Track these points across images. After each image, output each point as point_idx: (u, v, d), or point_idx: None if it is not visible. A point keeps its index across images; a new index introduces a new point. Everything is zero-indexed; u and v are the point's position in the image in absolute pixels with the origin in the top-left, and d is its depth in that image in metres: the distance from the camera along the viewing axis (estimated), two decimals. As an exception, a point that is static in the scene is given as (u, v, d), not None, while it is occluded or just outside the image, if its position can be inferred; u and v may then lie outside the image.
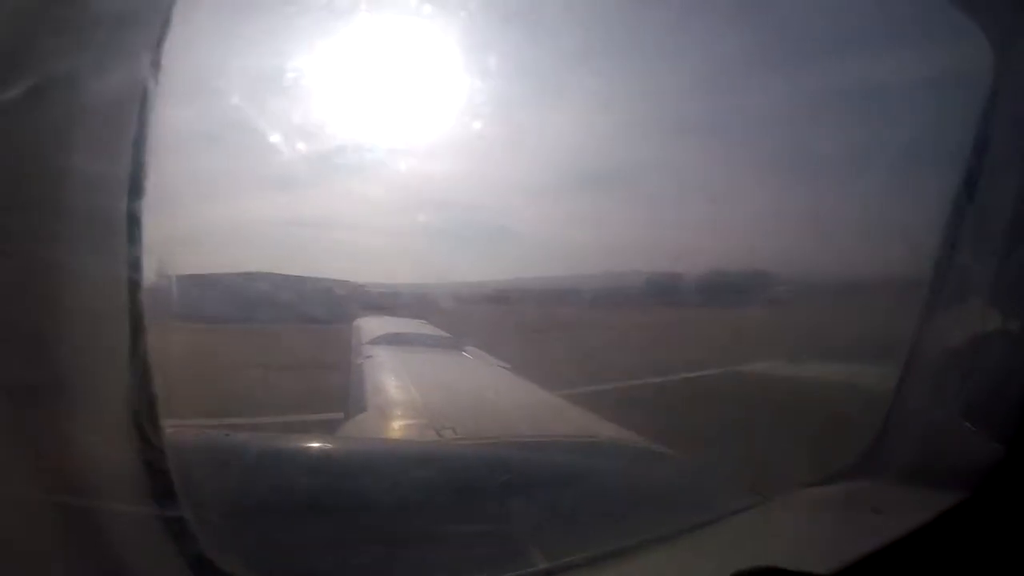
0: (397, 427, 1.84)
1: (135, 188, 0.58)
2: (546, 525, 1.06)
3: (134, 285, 0.59)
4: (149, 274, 0.61)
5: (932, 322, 1.28)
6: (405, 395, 2.13)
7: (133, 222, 0.58)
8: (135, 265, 0.59)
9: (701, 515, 1.06)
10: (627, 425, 1.88)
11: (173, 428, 0.67)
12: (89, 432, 0.55)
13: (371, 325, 3.60)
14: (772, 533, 1.11)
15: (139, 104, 0.58)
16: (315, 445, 1.34)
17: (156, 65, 0.58)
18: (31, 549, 0.50)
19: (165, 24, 0.58)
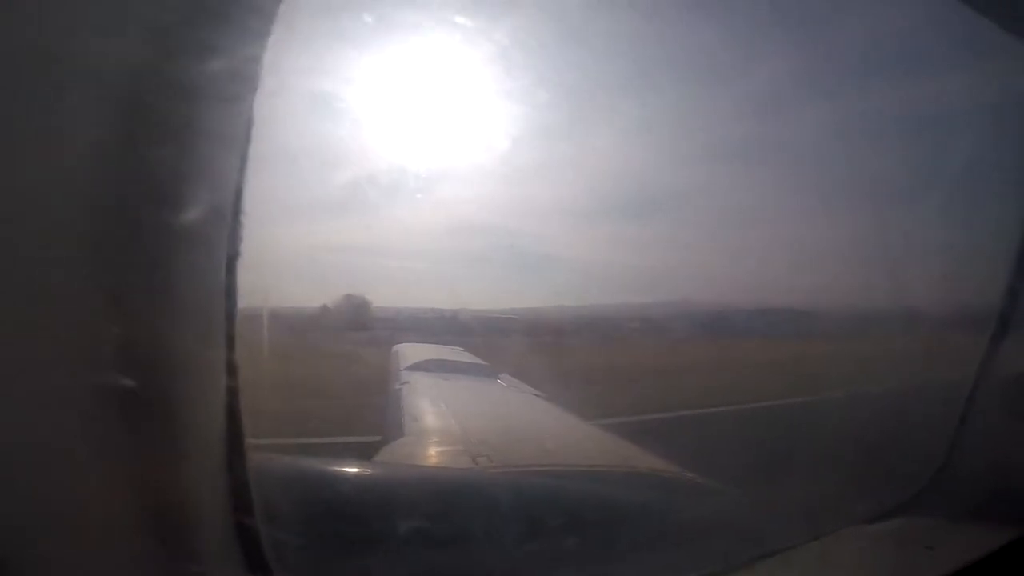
0: (433, 453, 1.85)
1: (236, 213, 0.59)
2: (582, 556, 1.05)
3: (230, 312, 0.60)
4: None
5: (995, 361, 1.26)
6: (441, 421, 2.15)
7: (233, 249, 0.59)
8: (231, 291, 0.60)
9: (748, 551, 1.04)
10: (669, 457, 1.83)
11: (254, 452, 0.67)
12: (184, 458, 0.56)
13: (409, 352, 3.66)
14: (826, 569, 1.09)
15: (243, 128, 0.59)
16: (384, 472, 1.38)
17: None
18: (117, 561, 0.52)
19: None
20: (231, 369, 0.60)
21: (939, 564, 1.01)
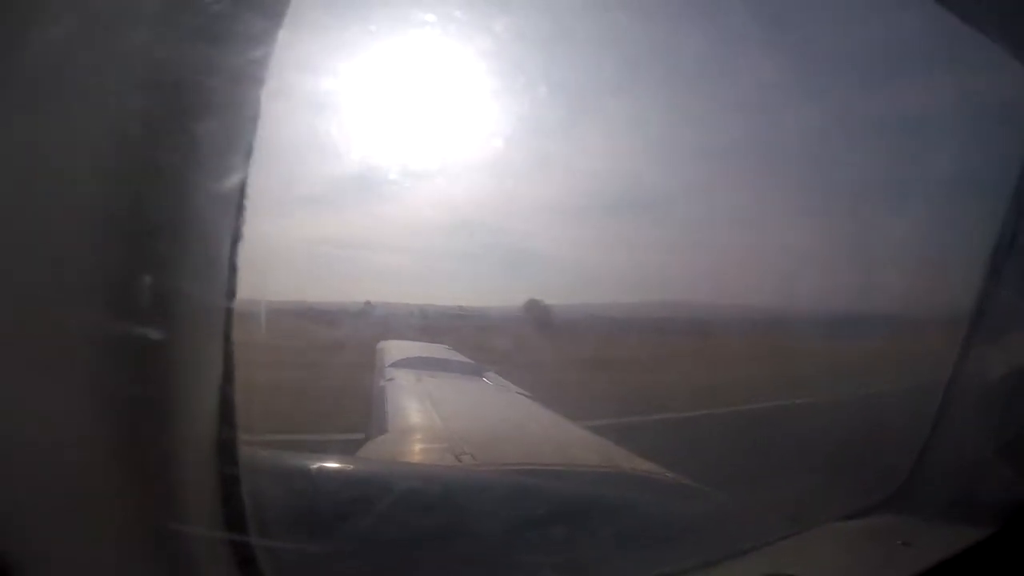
0: (416, 450, 1.84)
1: (239, 208, 0.59)
2: (565, 554, 1.05)
3: (229, 307, 0.60)
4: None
5: (968, 360, 1.28)
6: (425, 419, 2.14)
7: (235, 243, 0.59)
8: (231, 287, 0.60)
9: (730, 546, 1.06)
10: (652, 457, 1.84)
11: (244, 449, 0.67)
12: (180, 453, 0.56)
13: (393, 348, 3.64)
14: (806, 564, 1.10)
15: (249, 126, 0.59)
16: (376, 470, 1.38)
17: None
18: (107, 555, 0.52)
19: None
20: (227, 362, 0.60)
21: (915, 559, 1.04)
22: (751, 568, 1.03)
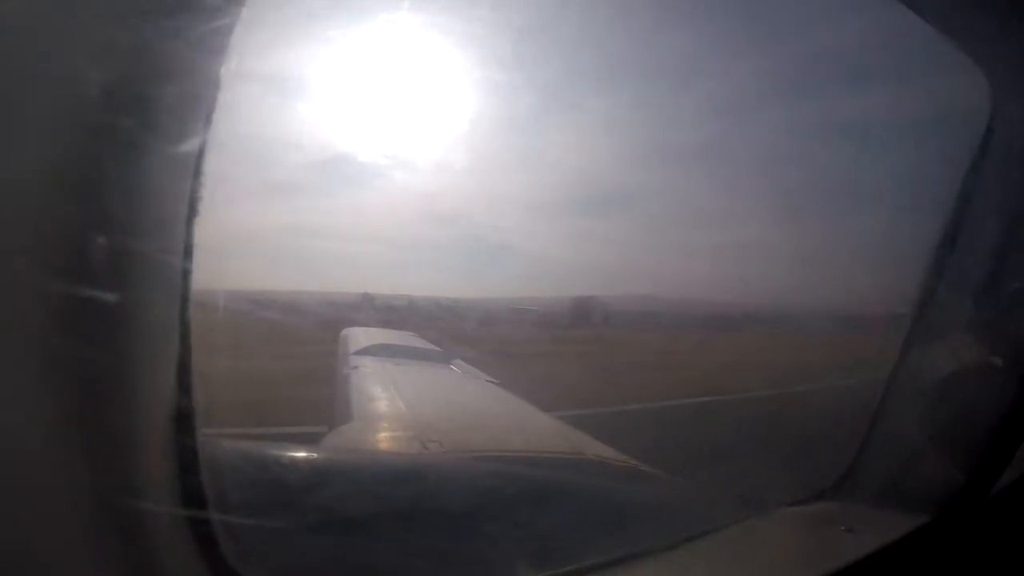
0: (382, 438, 1.83)
1: (194, 197, 0.58)
2: (530, 539, 1.07)
3: (185, 296, 0.59)
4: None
5: (910, 356, 1.34)
6: (391, 406, 2.13)
7: (189, 231, 0.58)
8: (187, 275, 0.59)
9: (684, 530, 1.09)
10: (616, 444, 1.88)
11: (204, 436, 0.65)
12: (134, 436, 0.55)
13: (361, 335, 3.59)
14: (751, 549, 1.15)
15: (203, 115, 0.58)
16: (338, 457, 1.38)
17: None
18: (63, 542, 0.51)
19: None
20: (184, 331, 0.59)
21: (858, 545, 1.08)
22: (703, 551, 1.07)
